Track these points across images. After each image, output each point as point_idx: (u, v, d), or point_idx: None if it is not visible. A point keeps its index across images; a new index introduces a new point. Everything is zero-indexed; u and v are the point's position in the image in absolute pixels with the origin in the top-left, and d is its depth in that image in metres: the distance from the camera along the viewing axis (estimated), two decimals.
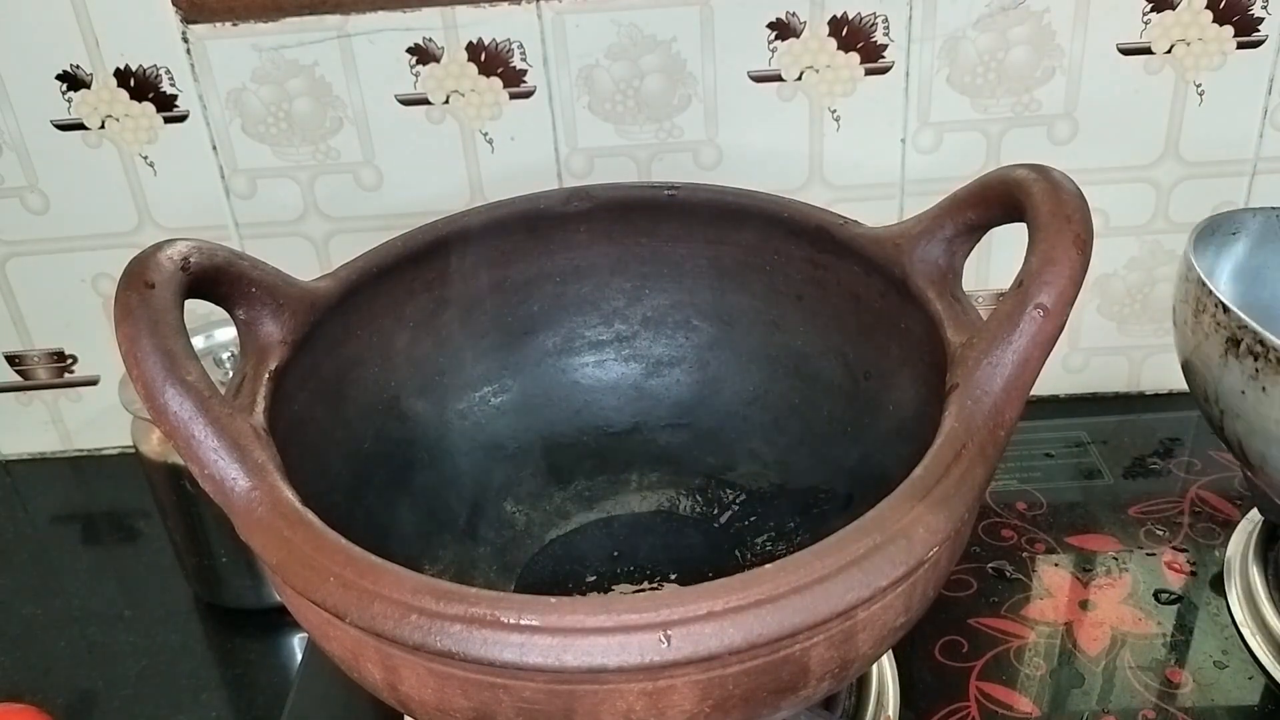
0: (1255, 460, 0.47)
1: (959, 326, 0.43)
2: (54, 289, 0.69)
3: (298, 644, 0.60)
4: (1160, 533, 0.61)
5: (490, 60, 0.62)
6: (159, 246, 0.41)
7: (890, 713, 0.50)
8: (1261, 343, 0.44)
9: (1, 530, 0.70)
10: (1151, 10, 0.61)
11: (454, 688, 0.35)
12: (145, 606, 0.63)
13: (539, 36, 0.61)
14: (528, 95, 0.63)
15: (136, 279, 0.39)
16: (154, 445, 0.58)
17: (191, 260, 0.41)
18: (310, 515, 0.37)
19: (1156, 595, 0.57)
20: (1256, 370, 0.45)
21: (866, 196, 0.66)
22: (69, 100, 0.63)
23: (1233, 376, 0.46)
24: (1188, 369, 0.52)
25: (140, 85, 0.62)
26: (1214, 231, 0.55)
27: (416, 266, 0.53)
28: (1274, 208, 0.57)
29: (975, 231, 0.46)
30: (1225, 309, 0.47)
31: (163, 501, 0.60)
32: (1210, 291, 0.48)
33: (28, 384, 0.72)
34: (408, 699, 0.37)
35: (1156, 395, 0.72)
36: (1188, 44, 0.62)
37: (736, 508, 0.56)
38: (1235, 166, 0.65)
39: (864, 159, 0.65)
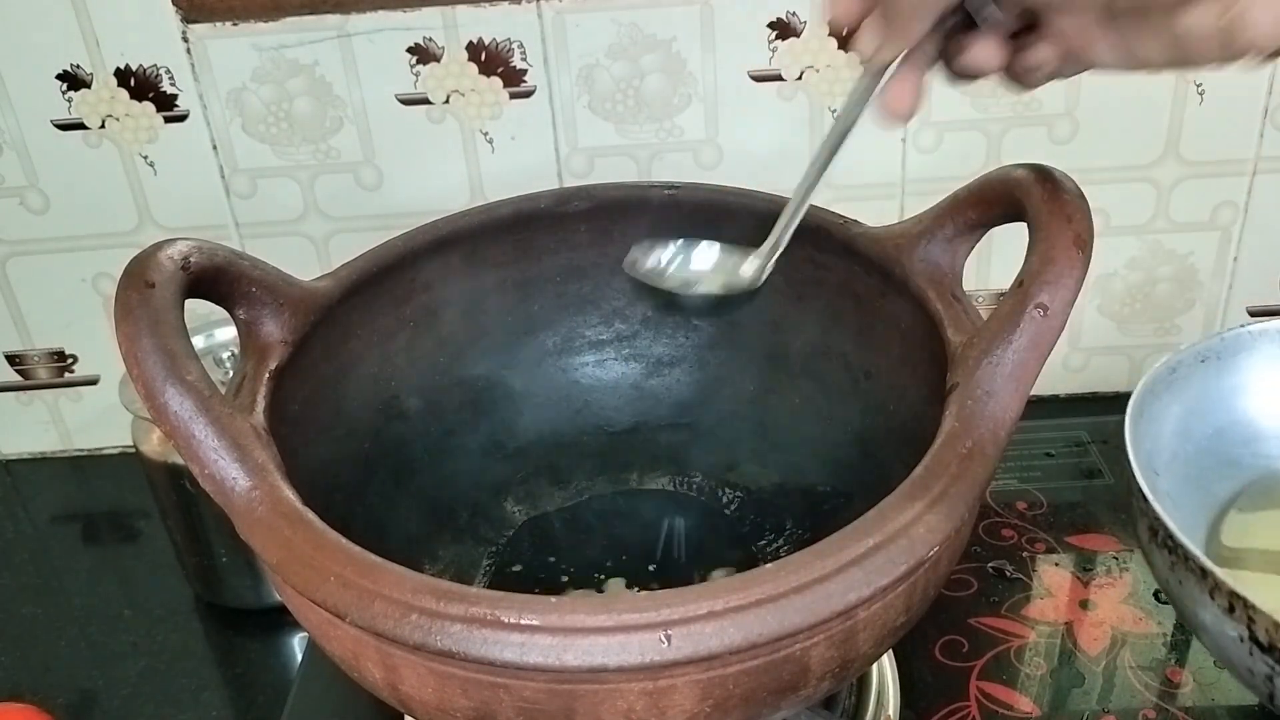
0: (1193, 634, 0.47)
1: (959, 326, 0.43)
2: (54, 289, 0.69)
3: (298, 644, 0.60)
4: None
5: (490, 60, 0.62)
6: (159, 246, 0.41)
7: (890, 713, 0.50)
8: (1172, 537, 0.45)
9: (1, 530, 0.70)
10: None
11: (454, 687, 0.35)
12: (145, 606, 0.63)
13: (539, 36, 0.61)
14: (528, 95, 0.63)
15: (137, 278, 0.39)
16: (154, 445, 0.58)
17: (192, 260, 0.41)
18: (310, 515, 0.37)
19: (1157, 595, 0.57)
20: (1172, 564, 0.45)
21: (866, 196, 0.66)
22: (69, 100, 0.63)
23: (1159, 564, 0.47)
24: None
25: (140, 85, 0.62)
26: (1172, 370, 0.54)
27: (416, 266, 0.53)
28: (1241, 325, 0.56)
29: (975, 231, 0.46)
30: (1145, 498, 0.47)
31: (163, 501, 0.60)
32: (1135, 476, 0.48)
33: (28, 384, 0.72)
34: (408, 699, 0.37)
35: None
36: None
37: (736, 507, 0.56)
38: (1235, 166, 0.65)
39: (864, 159, 0.65)
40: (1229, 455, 0.56)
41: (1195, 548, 0.44)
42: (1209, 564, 0.43)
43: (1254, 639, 0.42)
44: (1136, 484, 0.47)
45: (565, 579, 0.54)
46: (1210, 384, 0.56)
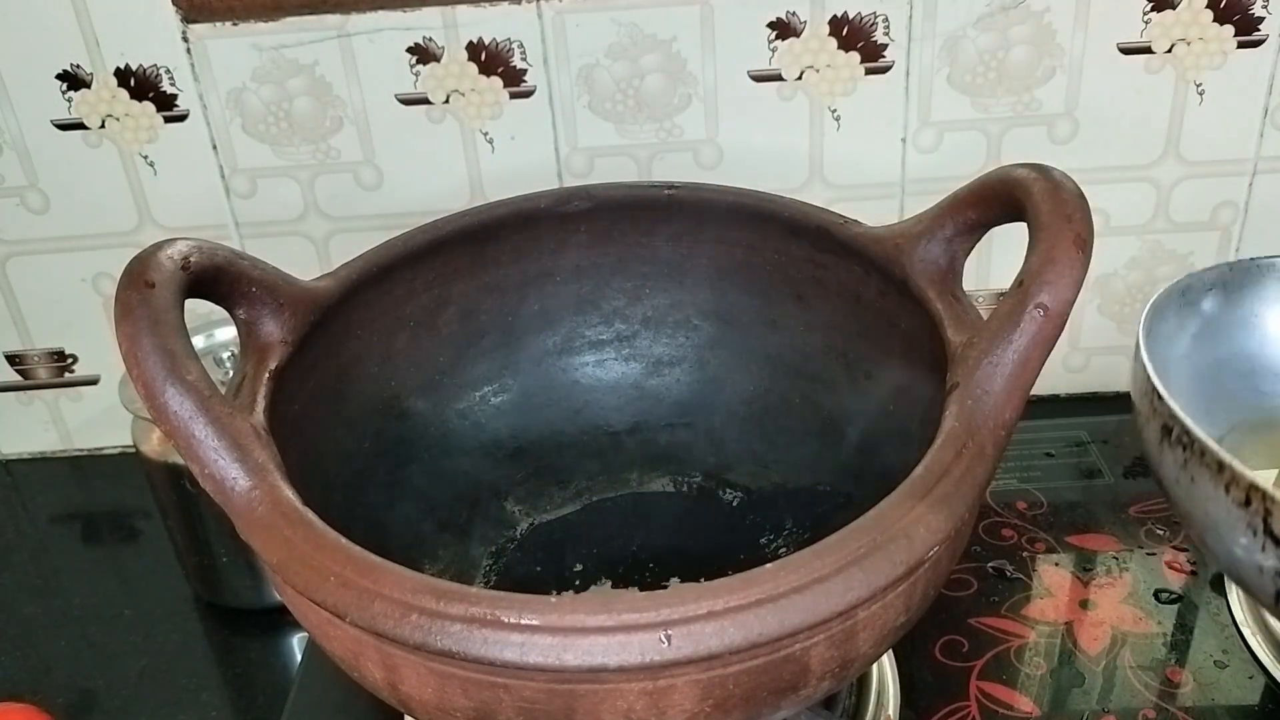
0: (1197, 542, 0.47)
1: (959, 326, 0.43)
2: (54, 289, 0.69)
3: (298, 644, 0.60)
4: (1161, 532, 0.61)
5: (490, 60, 0.62)
6: (159, 246, 0.41)
7: (890, 712, 0.50)
8: (1188, 433, 0.45)
9: (1, 530, 0.70)
10: (1152, 10, 0.61)
11: (454, 687, 0.35)
12: (145, 606, 0.63)
13: (539, 36, 0.61)
14: (528, 95, 0.63)
15: (137, 278, 0.39)
16: (154, 445, 0.58)
17: (192, 259, 0.41)
18: (310, 515, 0.37)
19: (1157, 595, 0.57)
20: (1185, 460, 0.45)
21: (866, 196, 0.66)
22: (69, 100, 0.63)
23: (1168, 464, 0.47)
24: (1143, 449, 0.52)
25: (140, 85, 0.62)
26: (1183, 292, 0.54)
27: (416, 266, 0.53)
28: (1251, 257, 0.57)
29: (975, 231, 0.46)
30: (1159, 396, 0.47)
31: (163, 501, 0.60)
32: (1149, 377, 0.48)
33: (28, 384, 0.72)
34: (408, 698, 0.37)
35: None
36: (1188, 43, 0.62)
37: (736, 507, 0.56)
38: (1235, 166, 0.65)
39: (864, 158, 0.65)
40: (1227, 388, 0.56)
41: (1212, 442, 0.43)
42: (1227, 456, 0.42)
43: (1269, 532, 0.41)
44: (1151, 384, 0.47)
45: (565, 578, 0.54)
46: (1217, 314, 0.56)
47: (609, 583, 0.53)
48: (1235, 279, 0.56)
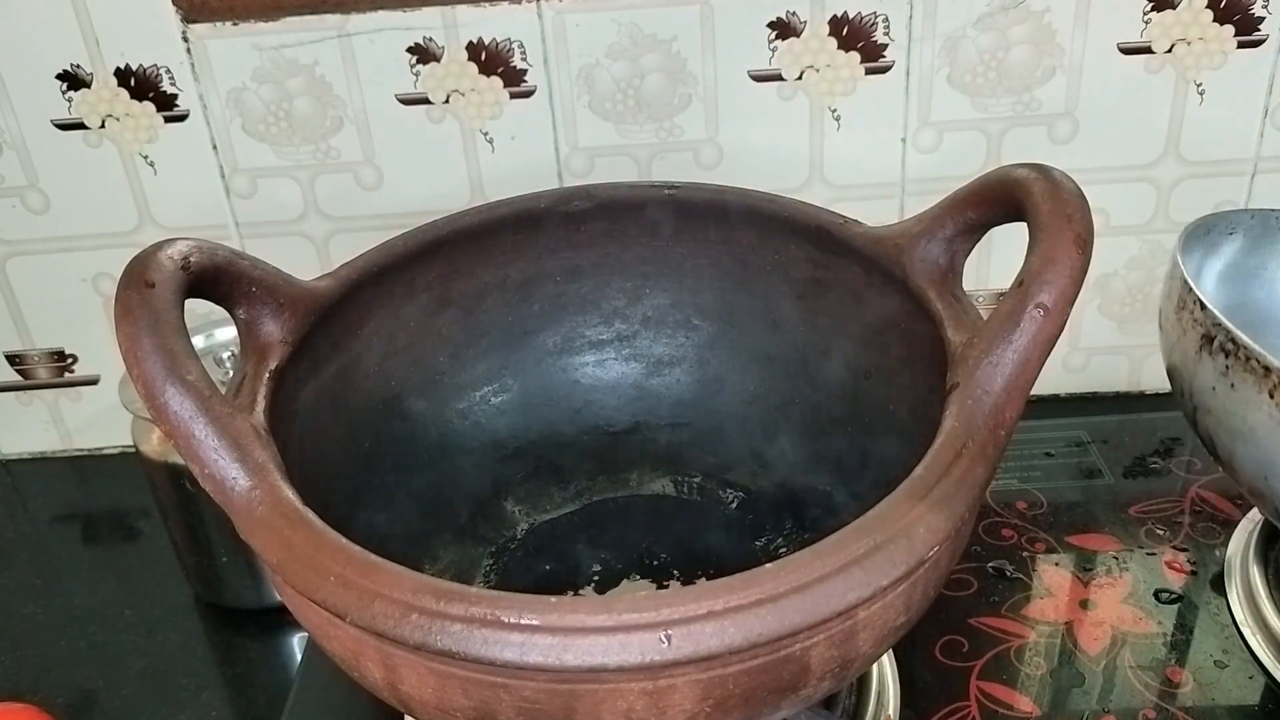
0: (1224, 456, 0.48)
1: (959, 326, 0.43)
2: (54, 289, 0.69)
3: (298, 644, 0.60)
4: (1161, 532, 0.61)
5: (490, 60, 0.62)
6: (159, 246, 0.41)
7: (890, 712, 0.50)
8: (1232, 340, 0.46)
9: (1, 530, 0.70)
10: (1152, 9, 0.61)
11: (454, 687, 0.35)
12: (145, 606, 0.63)
13: (539, 36, 0.61)
14: (528, 95, 0.63)
15: (137, 278, 0.39)
16: (154, 445, 0.58)
17: (192, 259, 0.41)
18: (310, 515, 0.37)
19: (1157, 595, 0.57)
20: (1227, 367, 0.46)
21: (866, 196, 0.66)
22: (69, 100, 0.63)
23: (1205, 373, 0.48)
24: (1168, 366, 0.54)
25: (140, 85, 0.62)
26: (1208, 231, 0.56)
27: (416, 266, 0.53)
28: (1272, 209, 0.57)
29: (976, 231, 0.46)
30: (1202, 306, 0.48)
31: (163, 501, 0.60)
32: (1190, 289, 0.49)
33: (28, 384, 0.72)
34: (408, 698, 0.37)
35: (1157, 395, 0.72)
36: (1188, 43, 0.62)
37: (736, 507, 0.56)
38: (1235, 166, 0.65)
39: (864, 158, 0.65)
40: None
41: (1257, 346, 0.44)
42: (1273, 360, 0.43)
43: None
44: (1192, 293, 0.49)
45: (565, 578, 0.54)
46: (1238, 260, 0.57)
47: (609, 582, 0.53)
48: (1257, 227, 0.57)
